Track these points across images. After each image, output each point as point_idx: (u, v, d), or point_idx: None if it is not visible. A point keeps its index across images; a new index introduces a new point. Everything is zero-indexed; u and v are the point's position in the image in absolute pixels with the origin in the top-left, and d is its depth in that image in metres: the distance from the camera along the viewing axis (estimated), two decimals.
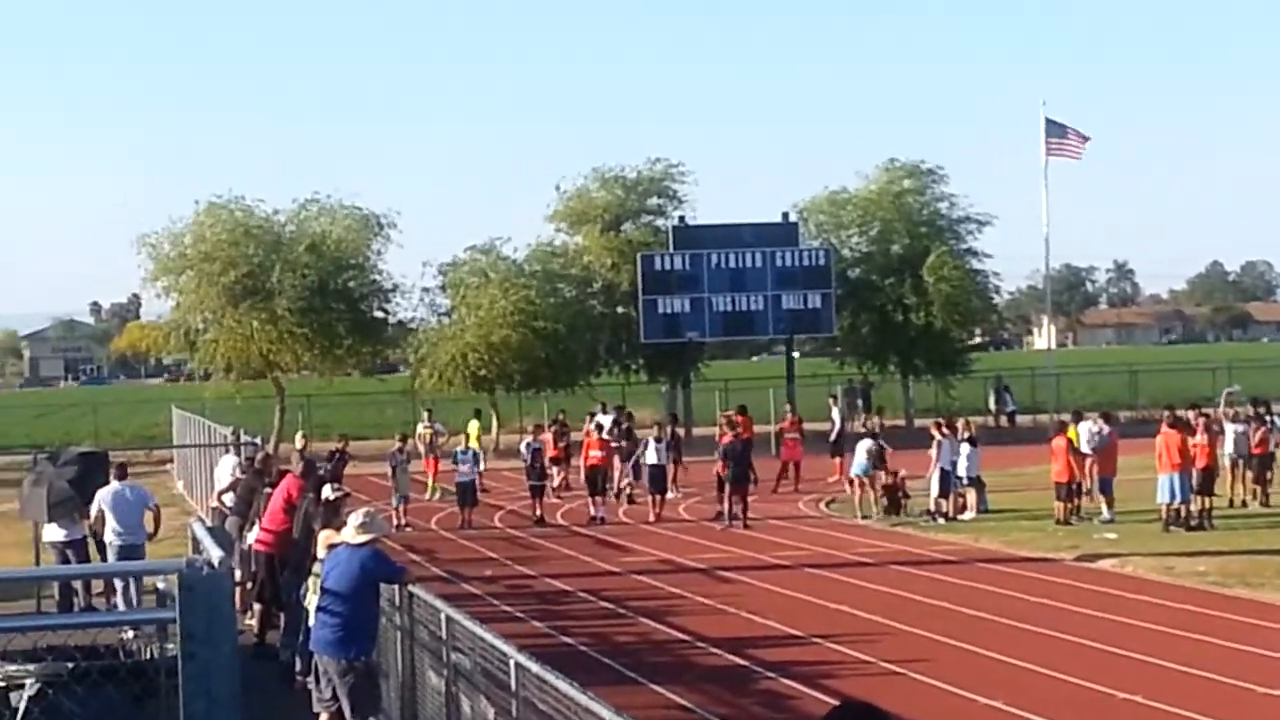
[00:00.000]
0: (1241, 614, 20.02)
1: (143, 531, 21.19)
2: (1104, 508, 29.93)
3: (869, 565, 25.64)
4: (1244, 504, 31.75)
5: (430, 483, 38.79)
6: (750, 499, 32.16)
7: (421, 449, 38.38)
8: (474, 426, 42.47)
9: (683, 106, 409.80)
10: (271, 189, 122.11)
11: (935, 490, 31.28)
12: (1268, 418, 33.28)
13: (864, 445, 32.95)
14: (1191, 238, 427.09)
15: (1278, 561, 23.96)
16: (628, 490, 36.75)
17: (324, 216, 55.51)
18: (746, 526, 31.00)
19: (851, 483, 33.61)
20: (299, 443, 31.40)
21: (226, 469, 26.51)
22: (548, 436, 37.83)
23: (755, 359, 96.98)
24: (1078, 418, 32.31)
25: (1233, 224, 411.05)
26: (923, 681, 16.62)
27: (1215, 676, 16.32)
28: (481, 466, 40.81)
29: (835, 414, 45.10)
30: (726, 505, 31.68)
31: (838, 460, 40.79)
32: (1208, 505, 29.11)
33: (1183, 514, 28.45)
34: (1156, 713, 14.94)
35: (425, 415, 41.77)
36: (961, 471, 31.41)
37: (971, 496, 31.76)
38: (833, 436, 43.19)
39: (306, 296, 53.32)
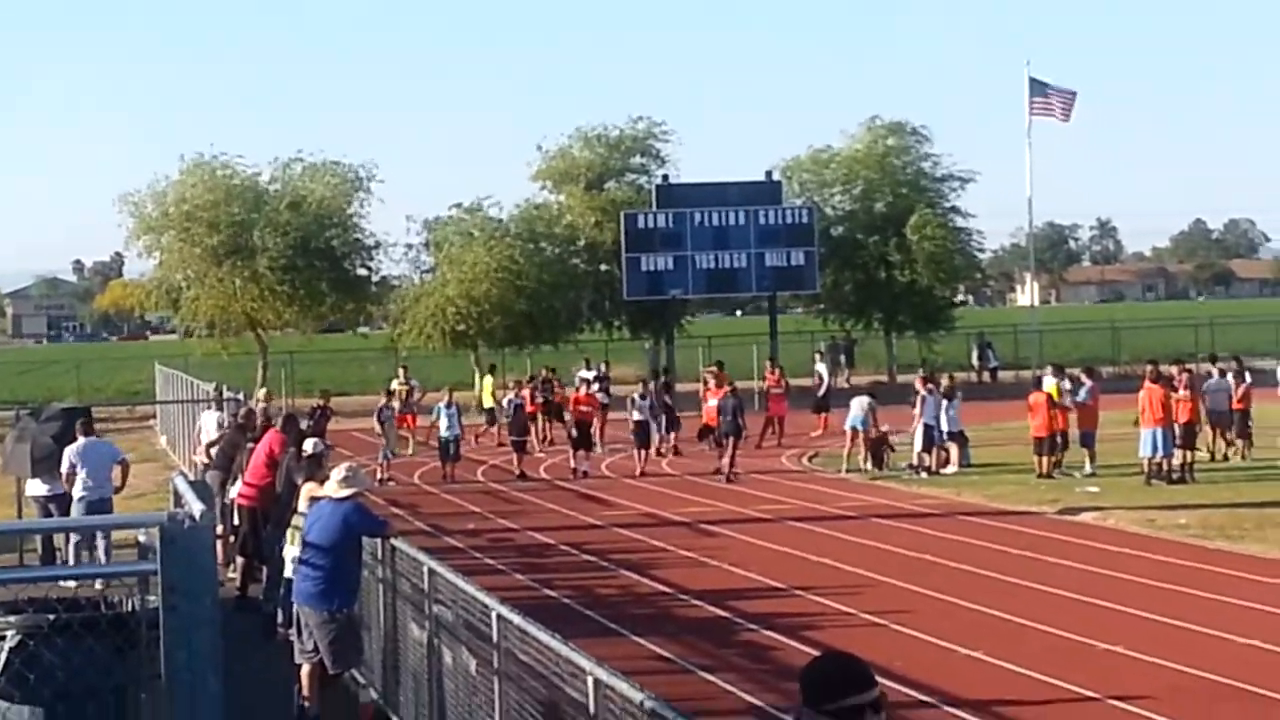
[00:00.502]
0: (1221, 566, 20.12)
1: (110, 485, 21.09)
2: (1086, 462, 30.04)
3: (851, 519, 25.71)
4: (1225, 458, 31.88)
5: (411, 438, 38.75)
6: (737, 454, 32.21)
7: (397, 405, 38.30)
8: (488, 382, 42.46)
9: (666, 65, 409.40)
10: (257, 148, 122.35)
11: (919, 445, 31.36)
12: (1246, 373, 33.37)
13: (861, 399, 32.95)
14: (1175, 196, 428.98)
15: (1257, 514, 24.07)
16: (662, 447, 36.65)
17: (306, 175, 55.47)
18: (730, 480, 31.07)
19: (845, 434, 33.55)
20: (260, 396, 31.44)
21: (211, 424, 26.54)
22: (527, 392, 37.77)
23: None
24: (1059, 371, 32.33)
25: (1216, 182, 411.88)
26: (904, 633, 16.68)
27: (1195, 627, 16.41)
28: (500, 419, 40.77)
29: (822, 370, 45.14)
30: (725, 457, 31.74)
31: (822, 416, 40.91)
32: (1189, 459, 29.23)
33: (1164, 468, 28.53)
34: (1138, 663, 15.00)
35: (400, 372, 41.76)
36: (944, 426, 31.48)
37: (954, 451, 31.83)
38: (820, 392, 43.26)
39: (289, 254, 53.35)
